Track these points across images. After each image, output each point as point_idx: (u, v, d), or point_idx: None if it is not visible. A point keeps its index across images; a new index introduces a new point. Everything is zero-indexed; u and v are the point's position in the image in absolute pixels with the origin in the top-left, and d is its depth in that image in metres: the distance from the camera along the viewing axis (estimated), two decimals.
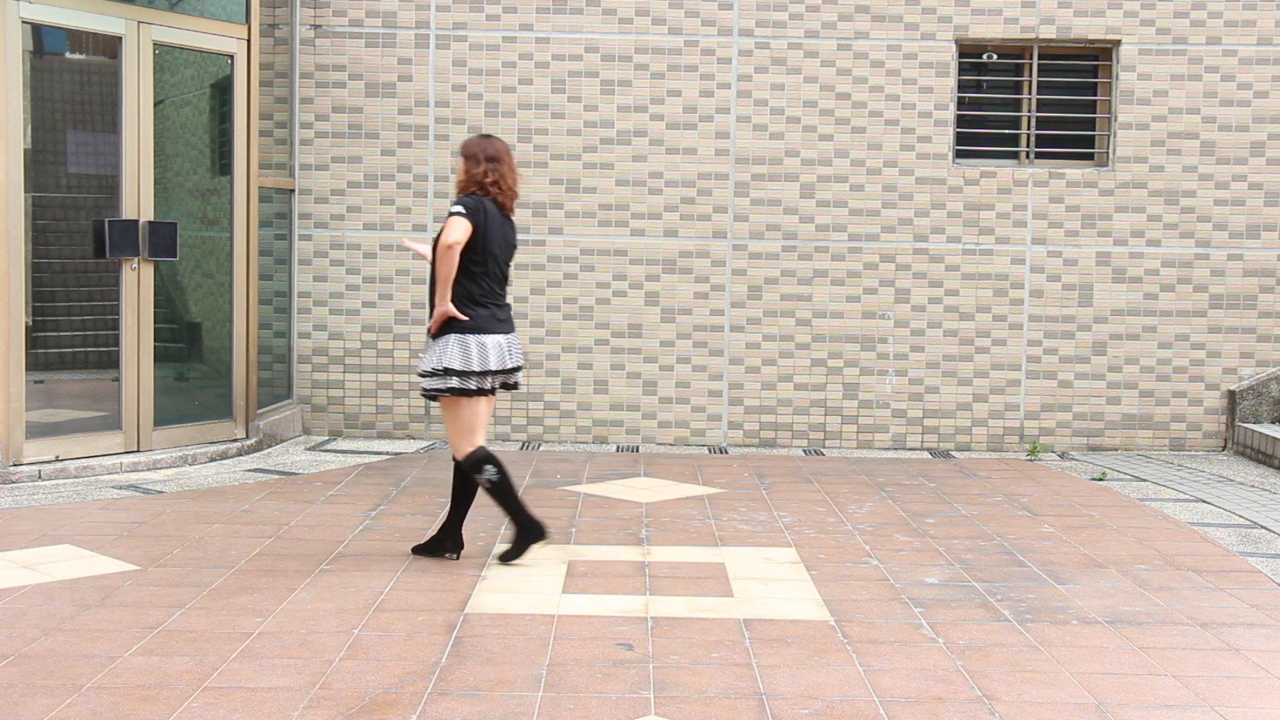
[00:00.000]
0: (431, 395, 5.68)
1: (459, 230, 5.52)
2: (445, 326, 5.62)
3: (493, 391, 5.73)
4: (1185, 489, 7.94)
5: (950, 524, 6.79)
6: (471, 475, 5.70)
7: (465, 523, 5.90)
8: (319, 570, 5.59)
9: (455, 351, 5.58)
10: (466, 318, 5.59)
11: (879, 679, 4.33)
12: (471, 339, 5.59)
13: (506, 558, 5.75)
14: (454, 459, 5.82)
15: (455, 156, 5.91)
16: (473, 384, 5.60)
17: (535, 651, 4.53)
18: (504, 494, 5.70)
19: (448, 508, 5.95)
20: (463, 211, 5.57)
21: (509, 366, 5.71)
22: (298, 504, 6.97)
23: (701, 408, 9.41)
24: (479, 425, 5.70)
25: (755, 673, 4.37)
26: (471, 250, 5.60)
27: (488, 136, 5.84)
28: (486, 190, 5.69)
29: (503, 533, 6.32)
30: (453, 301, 5.60)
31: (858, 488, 7.79)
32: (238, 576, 5.46)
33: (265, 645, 4.56)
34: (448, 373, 5.57)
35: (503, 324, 5.71)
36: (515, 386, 5.87)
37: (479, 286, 5.64)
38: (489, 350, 5.61)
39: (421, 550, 5.92)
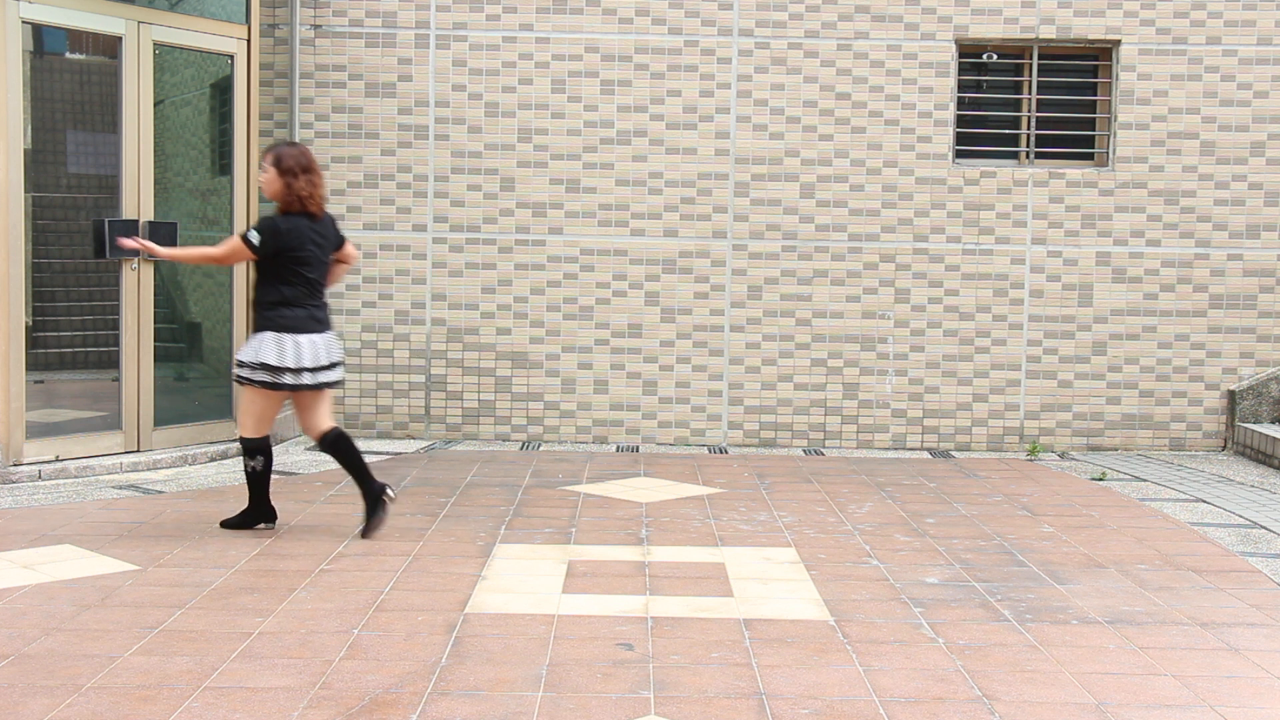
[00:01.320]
0: (241, 381, 6.07)
1: (234, 254, 6.11)
2: (263, 324, 6.01)
3: (312, 388, 6.07)
4: (1185, 489, 7.94)
5: (950, 524, 6.79)
6: (243, 455, 6.20)
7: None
8: (319, 570, 5.60)
9: (272, 348, 5.98)
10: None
11: (879, 679, 4.33)
12: (288, 338, 5.98)
13: (229, 523, 6.29)
14: (318, 438, 6.21)
15: (264, 164, 6.09)
16: (284, 379, 5.97)
17: (535, 651, 4.53)
18: (256, 482, 6.21)
19: (358, 487, 6.24)
20: (256, 243, 5.98)
21: (322, 364, 6.07)
22: (298, 504, 6.97)
23: (701, 408, 9.41)
24: (271, 418, 6.16)
25: (755, 673, 4.37)
26: (278, 264, 5.98)
27: (294, 144, 6.14)
28: (304, 205, 6.04)
29: (501, 533, 6.33)
30: (271, 306, 5.98)
31: (858, 488, 7.79)
32: (238, 576, 5.47)
33: (265, 645, 4.56)
34: (264, 367, 5.97)
35: (319, 324, 6.10)
36: (335, 384, 6.19)
37: (293, 289, 6.02)
38: (303, 348, 6.00)
39: (368, 532, 6.22)
